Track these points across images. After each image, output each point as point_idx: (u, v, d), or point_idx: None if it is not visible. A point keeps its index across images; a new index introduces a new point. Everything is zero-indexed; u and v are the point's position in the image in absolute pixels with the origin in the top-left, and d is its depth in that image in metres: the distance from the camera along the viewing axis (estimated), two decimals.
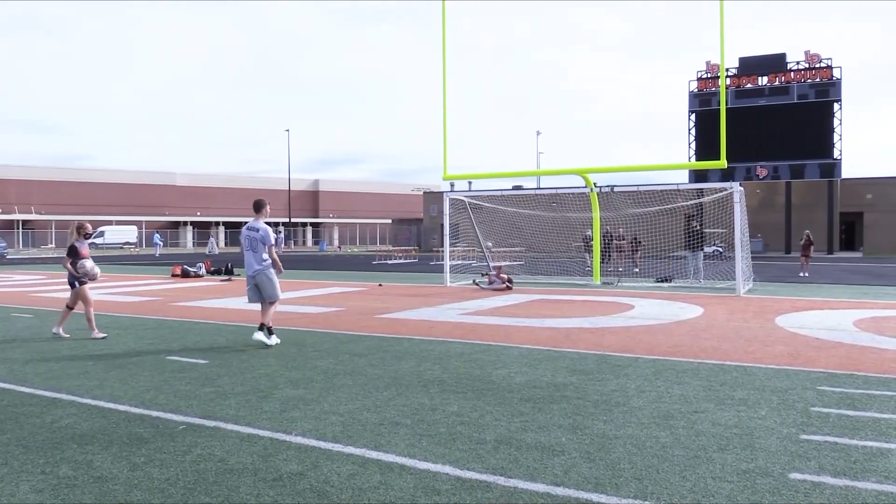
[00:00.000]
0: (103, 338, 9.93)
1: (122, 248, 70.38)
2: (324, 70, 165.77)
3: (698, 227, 20.77)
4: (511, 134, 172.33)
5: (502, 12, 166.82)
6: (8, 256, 47.20)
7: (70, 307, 10.40)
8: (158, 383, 6.97)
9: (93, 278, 10.30)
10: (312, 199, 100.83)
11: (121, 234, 74.45)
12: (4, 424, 5.50)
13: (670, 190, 22.26)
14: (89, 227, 10.62)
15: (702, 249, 20.62)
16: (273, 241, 9.45)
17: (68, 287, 10.38)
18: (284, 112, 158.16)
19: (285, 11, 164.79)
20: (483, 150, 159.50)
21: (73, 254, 10.17)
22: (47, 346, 9.39)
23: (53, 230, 75.12)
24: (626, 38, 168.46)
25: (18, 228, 74.67)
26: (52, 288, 19.69)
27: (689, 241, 20.50)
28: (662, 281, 20.47)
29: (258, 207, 9.56)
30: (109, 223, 76.01)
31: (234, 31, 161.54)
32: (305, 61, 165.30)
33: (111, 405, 6.10)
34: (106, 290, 18.64)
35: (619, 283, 19.98)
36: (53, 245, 72.22)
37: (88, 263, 10.22)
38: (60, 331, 10.19)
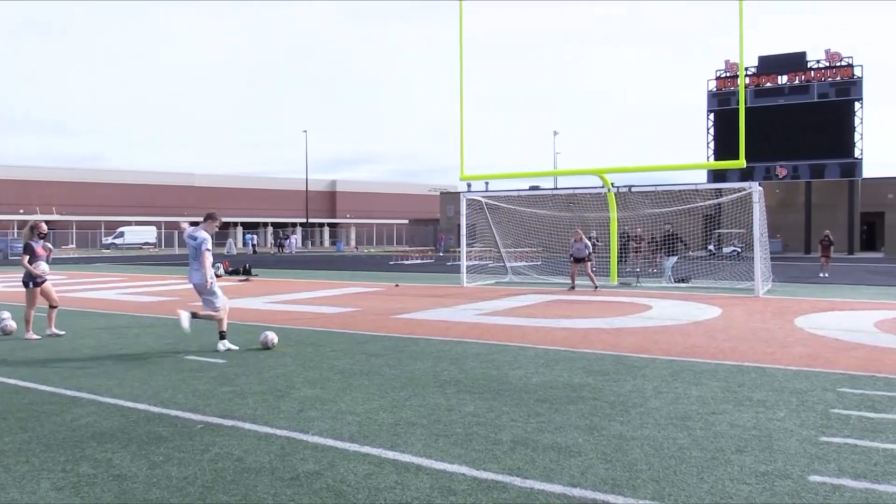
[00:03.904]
0: (37, 339, 9.99)
1: (141, 248, 70.97)
2: (339, 70, 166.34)
3: (672, 231, 20.93)
4: (528, 134, 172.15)
5: (518, 10, 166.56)
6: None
7: (54, 306, 10.42)
8: (177, 382, 7.03)
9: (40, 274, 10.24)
10: (330, 199, 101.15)
11: (140, 234, 75.07)
12: (26, 423, 5.56)
13: (689, 190, 22.15)
14: (44, 226, 10.51)
15: (675, 254, 20.80)
16: (209, 248, 9.04)
17: (25, 285, 10.26)
18: (300, 112, 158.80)
19: (299, 11, 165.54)
20: (500, 150, 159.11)
21: (30, 252, 10.10)
22: (67, 345, 9.48)
23: (74, 231, 75.89)
24: (643, 37, 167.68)
25: None
26: (73, 288, 19.88)
27: (666, 245, 20.75)
28: (680, 281, 20.37)
29: (208, 218, 9.35)
30: (129, 223, 76.71)
31: (249, 31, 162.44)
32: (320, 61, 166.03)
33: (131, 404, 6.15)
34: (125, 290, 18.81)
35: (637, 284, 19.90)
36: (74, 245, 72.94)
37: (43, 265, 10.25)
38: (54, 330, 10.33)
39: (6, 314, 11.17)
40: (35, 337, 10.09)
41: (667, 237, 20.97)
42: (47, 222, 9.49)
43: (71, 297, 16.64)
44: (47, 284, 10.36)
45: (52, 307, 10.44)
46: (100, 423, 5.52)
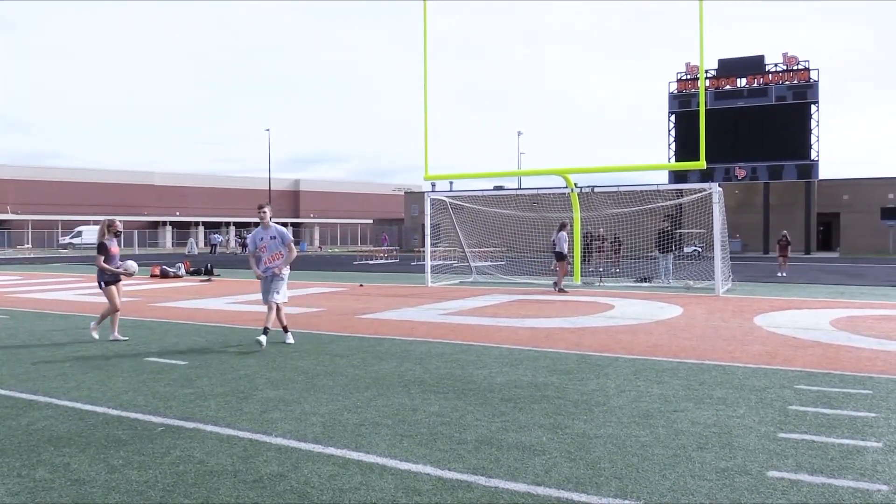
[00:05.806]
0: (125, 340, 9.75)
1: None
2: (303, 69, 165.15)
3: (669, 228, 20.86)
4: (493, 134, 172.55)
5: (484, 11, 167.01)
6: None
7: (117, 308, 10.02)
8: (137, 385, 6.91)
9: (131, 274, 10.14)
10: (293, 198, 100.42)
11: None
12: None
13: (650, 190, 22.41)
14: (119, 224, 10.29)
15: (672, 251, 20.73)
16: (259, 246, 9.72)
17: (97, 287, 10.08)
18: (263, 111, 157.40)
19: (263, 10, 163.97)
20: (465, 150, 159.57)
21: (104, 252, 9.88)
22: (23, 348, 9.27)
23: (30, 230, 74.26)
24: (606, 38, 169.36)
25: None
26: (29, 288, 19.46)
27: (660, 242, 20.60)
28: (642, 280, 20.59)
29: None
30: (87, 223, 75.27)
31: (212, 29, 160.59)
32: (284, 60, 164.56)
33: (89, 407, 6.04)
34: (84, 291, 18.45)
35: (600, 283, 20.08)
36: (30, 245, 71.38)
37: (129, 263, 10.09)
38: (118, 335, 9.91)
39: None
40: (122, 338, 9.84)
41: (661, 234, 20.64)
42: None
43: (27, 299, 16.29)
44: (119, 284, 10.09)
45: (117, 310, 10.03)
46: (56, 427, 5.40)
